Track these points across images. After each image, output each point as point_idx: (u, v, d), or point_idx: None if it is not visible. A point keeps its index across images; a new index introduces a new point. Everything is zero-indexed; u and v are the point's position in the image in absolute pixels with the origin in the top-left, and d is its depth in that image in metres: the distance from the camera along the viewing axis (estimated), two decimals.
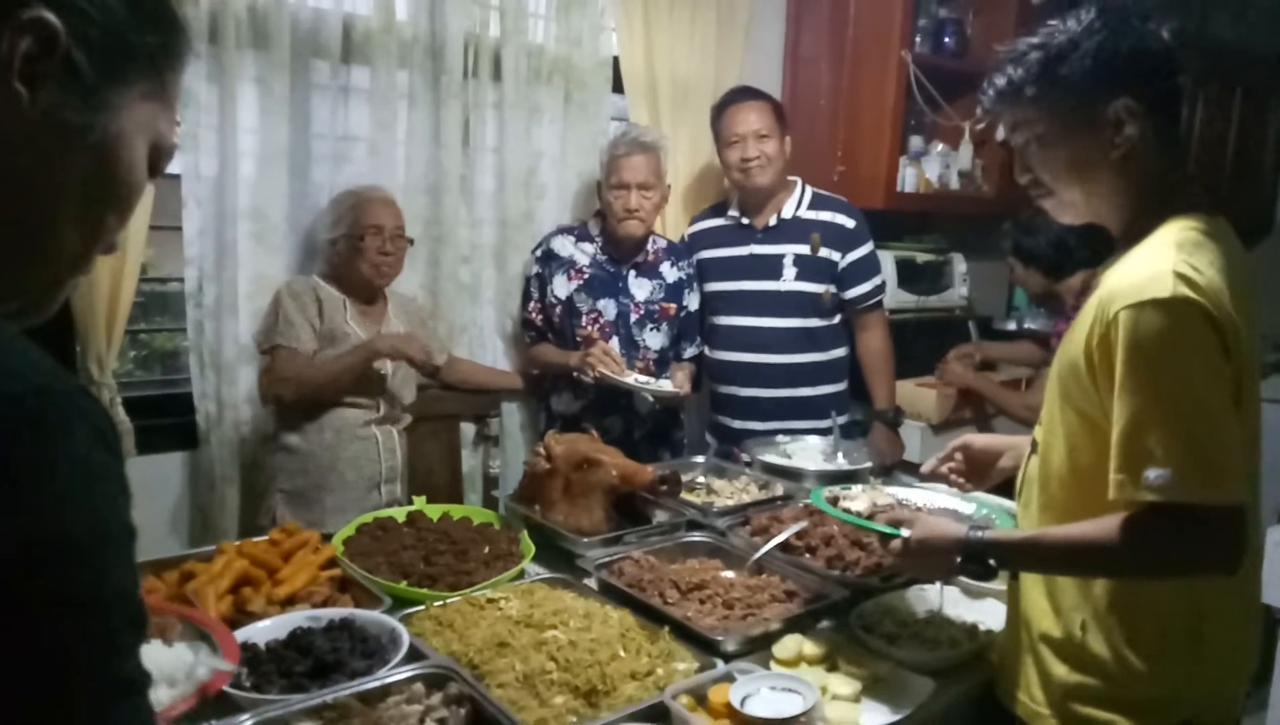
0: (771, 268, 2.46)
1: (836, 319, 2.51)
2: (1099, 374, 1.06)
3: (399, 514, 1.76)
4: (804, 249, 2.44)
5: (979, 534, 1.14)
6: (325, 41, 2.10)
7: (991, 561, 1.14)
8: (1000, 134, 1.26)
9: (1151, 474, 0.99)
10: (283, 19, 2.03)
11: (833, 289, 2.45)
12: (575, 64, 2.49)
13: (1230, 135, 4.00)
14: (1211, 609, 1.11)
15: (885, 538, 1.26)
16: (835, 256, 2.45)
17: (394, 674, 1.14)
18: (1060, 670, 1.15)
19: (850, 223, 2.47)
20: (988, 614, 1.46)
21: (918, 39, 2.92)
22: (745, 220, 2.51)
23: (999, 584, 1.50)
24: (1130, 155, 1.11)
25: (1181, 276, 1.00)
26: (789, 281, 2.44)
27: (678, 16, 2.65)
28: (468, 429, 2.53)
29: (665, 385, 2.29)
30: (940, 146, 3.10)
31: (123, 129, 0.58)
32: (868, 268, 2.49)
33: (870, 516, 1.34)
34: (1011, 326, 3.45)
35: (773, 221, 2.47)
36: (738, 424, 2.51)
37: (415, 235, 2.26)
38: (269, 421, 2.12)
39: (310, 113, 2.14)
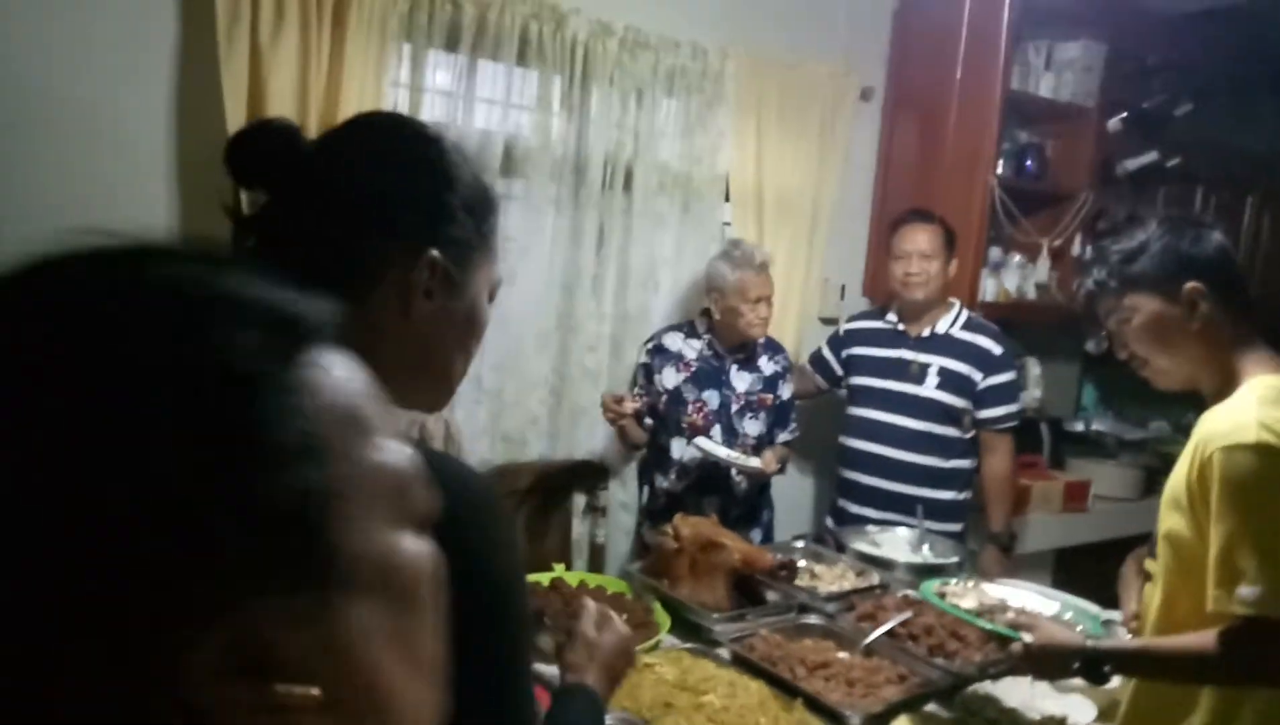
0: (916, 374, 2.67)
1: (970, 433, 2.70)
2: (1197, 504, 1.28)
3: (543, 579, 2.00)
4: (950, 362, 2.63)
5: (1095, 644, 1.35)
6: (489, 158, 2.43)
7: (1107, 668, 1.33)
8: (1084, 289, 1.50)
9: (1244, 591, 1.19)
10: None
11: (974, 412, 2.65)
12: (694, 178, 2.79)
13: None
14: None
15: (1003, 638, 1.46)
16: (976, 377, 2.64)
17: None
18: None
19: (997, 350, 2.66)
20: (1073, 708, 1.65)
21: (1001, 161, 3.17)
22: (901, 326, 2.75)
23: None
24: (1206, 327, 1.36)
25: (1264, 426, 1.23)
26: (930, 389, 2.65)
27: (785, 135, 2.94)
28: (578, 499, 2.78)
29: (753, 462, 2.52)
30: (1018, 258, 3.33)
31: (476, 292, 0.84)
32: (1005, 394, 2.67)
33: (982, 615, 1.56)
34: (1080, 427, 3.63)
35: (926, 333, 2.70)
36: (854, 508, 2.73)
37: (550, 326, 2.56)
38: None
39: None
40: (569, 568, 2.69)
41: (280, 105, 1.98)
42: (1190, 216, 1.46)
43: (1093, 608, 1.81)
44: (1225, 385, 1.36)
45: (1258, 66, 3.64)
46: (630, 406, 2.50)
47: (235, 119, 1.94)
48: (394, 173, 0.79)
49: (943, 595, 1.64)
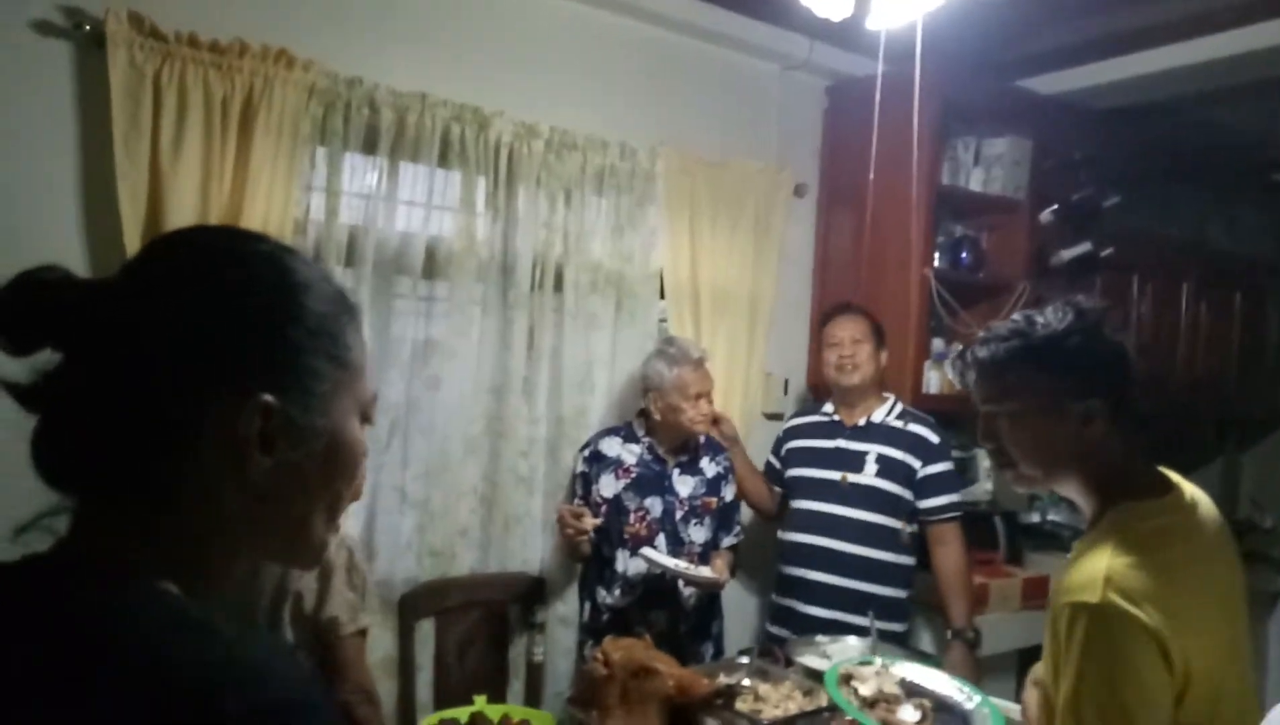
0: (855, 462, 2.62)
1: (912, 527, 2.62)
2: (1052, 637, 1.23)
3: (462, 714, 1.83)
4: (888, 450, 2.60)
5: None
6: (410, 260, 2.35)
7: None
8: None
9: None
10: (369, 241, 2.28)
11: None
12: (627, 276, 2.74)
13: (1233, 333, 4.24)
14: None
15: None
16: (915, 464, 2.59)
17: None
18: None
19: (934, 439, 2.62)
20: None
21: (937, 254, 3.17)
22: (837, 417, 2.71)
23: None
24: (1092, 450, 1.24)
25: (1111, 581, 1.14)
26: (869, 477, 2.60)
27: (719, 232, 2.92)
28: (513, 616, 2.61)
29: (705, 571, 2.40)
30: (960, 349, 3.31)
31: (336, 422, 0.70)
32: (946, 483, 2.61)
33: (873, 704, 1.49)
34: (1035, 519, 3.55)
35: (862, 422, 2.66)
36: (801, 608, 2.61)
37: (479, 431, 2.44)
38: None
39: (390, 321, 2.36)
40: (504, 692, 2.52)
41: (180, 216, 1.89)
42: (1101, 316, 1.27)
43: (1006, 704, 1.72)
44: (1100, 509, 1.27)
45: (1171, 160, 3.75)
46: (591, 522, 2.37)
47: (132, 234, 1.85)
48: (207, 308, 0.66)
49: (849, 677, 1.54)
